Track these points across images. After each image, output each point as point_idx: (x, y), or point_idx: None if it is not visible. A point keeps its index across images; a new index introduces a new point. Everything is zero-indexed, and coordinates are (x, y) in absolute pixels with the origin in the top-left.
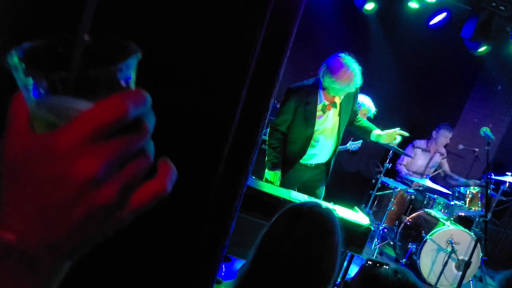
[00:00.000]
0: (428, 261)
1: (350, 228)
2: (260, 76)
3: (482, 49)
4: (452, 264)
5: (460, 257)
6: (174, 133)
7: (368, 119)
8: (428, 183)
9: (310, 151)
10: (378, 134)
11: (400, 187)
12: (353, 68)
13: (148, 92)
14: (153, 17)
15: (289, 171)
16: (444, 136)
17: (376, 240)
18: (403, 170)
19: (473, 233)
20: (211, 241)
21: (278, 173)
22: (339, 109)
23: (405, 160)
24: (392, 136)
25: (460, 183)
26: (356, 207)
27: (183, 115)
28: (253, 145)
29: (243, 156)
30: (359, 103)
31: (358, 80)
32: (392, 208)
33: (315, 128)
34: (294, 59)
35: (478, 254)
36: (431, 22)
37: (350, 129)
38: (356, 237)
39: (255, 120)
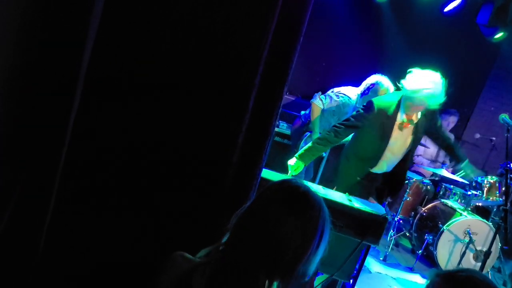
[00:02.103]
0: (445, 252)
1: (366, 218)
2: (273, 63)
3: (499, 35)
4: (470, 255)
5: (478, 248)
6: (186, 122)
7: None
8: (444, 173)
9: (380, 162)
10: (468, 167)
11: (416, 177)
12: (439, 77)
13: (158, 86)
14: (165, 9)
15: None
16: (451, 122)
17: (391, 231)
18: (425, 160)
19: (491, 223)
20: None
21: (302, 165)
22: (415, 128)
23: (420, 150)
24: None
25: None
26: (371, 197)
27: (195, 103)
28: (267, 134)
29: (257, 146)
30: (377, 83)
31: (440, 94)
32: (408, 199)
33: (389, 144)
34: (307, 49)
35: (497, 244)
36: (446, 9)
37: (443, 149)
38: (373, 227)
39: (269, 108)
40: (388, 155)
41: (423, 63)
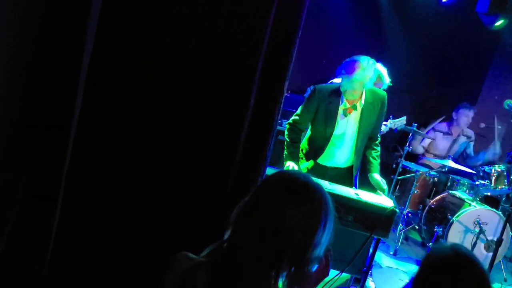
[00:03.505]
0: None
1: (374, 211)
2: (273, 59)
3: (499, 23)
4: (481, 245)
5: (489, 238)
6: (187, 121)
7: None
8: (451, 164)
9: (328, 152)
10: (375, 178)
11: (422, 170)
12: (362, 60)
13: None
14: (164, 9)
15: (308, 170)
16: (464, 116)
17: (400, 225)
18: (419, 148)
19: (501, 212)
20: None
21: (297, 164)
22: (360, 116)
23: (426, 142)
24: (379, 187)
25: (479, 160)
26: (378, 191)
27: (195, 101)
28: (269, 130)
29: (260, 142)
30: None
31: (365, 71)
32: (415, 192)
33: (335, 130)
34: (306, 47)
35: (508, 233)
36: None
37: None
38: (381, 220)
39: (270, 104)
40: (336, 142)
41: (424, 56)
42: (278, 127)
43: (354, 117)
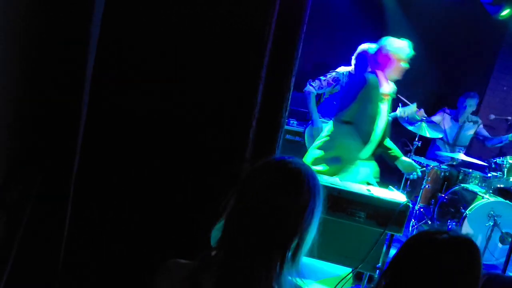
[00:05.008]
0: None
1: (387, 207)
2: (278, 54)
3: (505, 12)
4: (496, 238)
5: (504, 230)
6: (195, 120)
7: None
8: (462, 157)
9: (371, 140)
10: (405, 161)
11: (433, 164)
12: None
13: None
14: (166, 9)
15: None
16: (469, 105)
17: (413, 220)
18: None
19: None
20: None
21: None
22: (388, 105)
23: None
24: (413, 168)
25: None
26: (390, 186)
27: (203, 100)
28: (278, 127)
29: (269, 139)
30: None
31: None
32: (427, 187)
33: (378, 117)
34: (311, 44)
35: None
36: None
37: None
38: (395, 216)
39: (278, 101)
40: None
41: (430, 48)
42: (286, 127)
43: (386, 106)
